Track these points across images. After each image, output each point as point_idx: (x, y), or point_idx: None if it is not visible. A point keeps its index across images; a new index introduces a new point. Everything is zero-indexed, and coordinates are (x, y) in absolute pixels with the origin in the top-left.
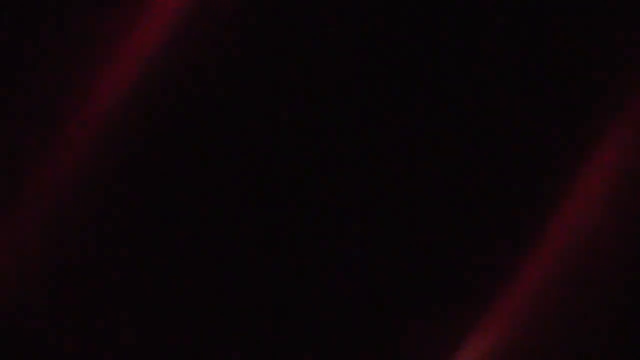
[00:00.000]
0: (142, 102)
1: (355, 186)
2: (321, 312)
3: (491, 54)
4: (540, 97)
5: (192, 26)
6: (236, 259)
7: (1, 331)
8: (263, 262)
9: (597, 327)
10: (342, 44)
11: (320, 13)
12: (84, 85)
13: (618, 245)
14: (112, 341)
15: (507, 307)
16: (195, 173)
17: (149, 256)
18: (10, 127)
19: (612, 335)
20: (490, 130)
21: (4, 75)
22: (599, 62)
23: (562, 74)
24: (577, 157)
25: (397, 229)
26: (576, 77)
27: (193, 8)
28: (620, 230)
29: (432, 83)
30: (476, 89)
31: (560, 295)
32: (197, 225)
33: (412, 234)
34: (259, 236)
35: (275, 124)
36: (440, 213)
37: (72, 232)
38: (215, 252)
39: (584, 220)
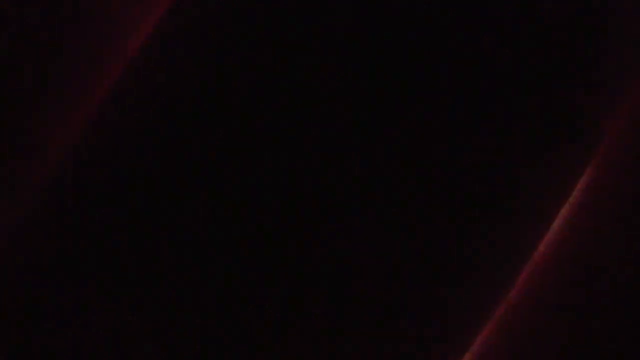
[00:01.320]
0: (140, 100)
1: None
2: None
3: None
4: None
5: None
6: (241, 260)
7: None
8: (273, 265)
9: (598, 328)
10: (341, 43)
11: (318, 13)
12: (83, 83)
13: (620, 243)
14: (112, 341)
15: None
16: (195, 173)
17: (150, 256)
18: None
19: (614, 335)
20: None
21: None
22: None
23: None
24: (583, 155)
25: (397, 228)
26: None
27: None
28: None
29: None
30: (481, 89)
31: (559, 296)
32: (197, 226)
33: (411, 237)
34: (265, 244)
35: (276, 125)
36: (440, 214)
37: (67, 231)
38: (217, 251)
39: (585, 221)
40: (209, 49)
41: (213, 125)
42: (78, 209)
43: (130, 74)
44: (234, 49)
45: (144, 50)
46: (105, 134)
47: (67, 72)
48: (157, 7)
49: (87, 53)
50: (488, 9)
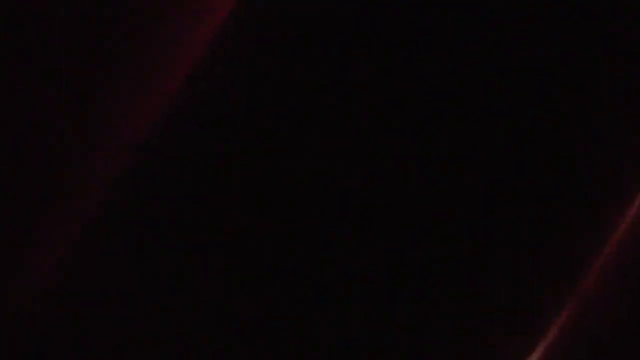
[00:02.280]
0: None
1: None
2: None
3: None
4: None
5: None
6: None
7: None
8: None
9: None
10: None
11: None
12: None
13: None
14: (112, 341)
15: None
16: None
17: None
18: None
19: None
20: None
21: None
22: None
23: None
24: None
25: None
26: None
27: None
28: None
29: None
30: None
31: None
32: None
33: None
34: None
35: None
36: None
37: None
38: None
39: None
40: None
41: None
42: (144, 208)
43: (193, 79)
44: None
45: (204, 59)
46: (168, 136)
47: (133, 75)
48: (211, 17)
49: (150, 58)
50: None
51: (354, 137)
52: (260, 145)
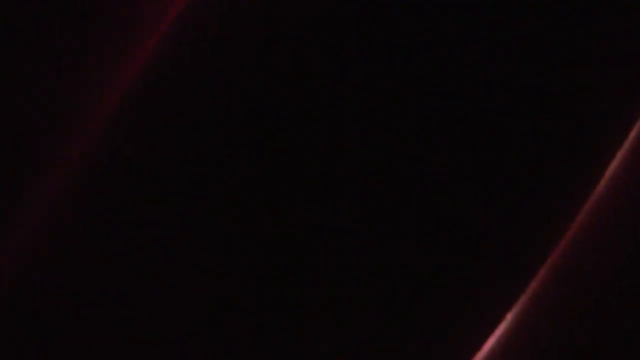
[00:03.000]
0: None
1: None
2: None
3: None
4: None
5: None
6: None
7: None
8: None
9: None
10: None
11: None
12: (94, 85)
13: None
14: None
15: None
16: (199, 175)
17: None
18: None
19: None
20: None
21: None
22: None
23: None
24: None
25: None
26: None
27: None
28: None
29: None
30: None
31: (563, 293)
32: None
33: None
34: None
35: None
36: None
37: (75, 233)
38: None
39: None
40: (218, 53)
41: (220, 125)
42: (96, 212)
43: (143, 77)
44: (240, 52)
45: (156, 54)
46: (118, 137)
47: (84, 73)
48: (166, 13)
49: (101, 56)
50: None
51: (349, 133)
52: (250, 139)
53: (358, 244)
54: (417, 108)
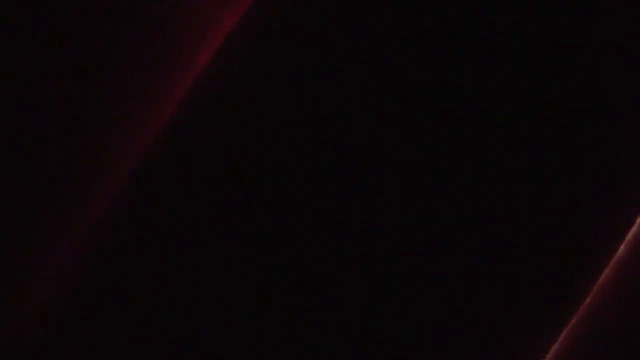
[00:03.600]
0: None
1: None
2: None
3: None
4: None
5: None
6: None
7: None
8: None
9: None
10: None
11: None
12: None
13: None
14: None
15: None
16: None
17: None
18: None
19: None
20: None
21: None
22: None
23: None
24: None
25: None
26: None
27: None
28: None
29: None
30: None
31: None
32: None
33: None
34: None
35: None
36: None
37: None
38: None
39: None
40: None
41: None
42: (152, 211)
43: (203, 82)
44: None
45: (215, 59)
46: (176, 140)
47: (145, 78)
48: (226, 19)
49: (159, 63)
50: None
51: (354, 138)
52: (265, 151)
53: (362, 243)
54: (421, 109)
